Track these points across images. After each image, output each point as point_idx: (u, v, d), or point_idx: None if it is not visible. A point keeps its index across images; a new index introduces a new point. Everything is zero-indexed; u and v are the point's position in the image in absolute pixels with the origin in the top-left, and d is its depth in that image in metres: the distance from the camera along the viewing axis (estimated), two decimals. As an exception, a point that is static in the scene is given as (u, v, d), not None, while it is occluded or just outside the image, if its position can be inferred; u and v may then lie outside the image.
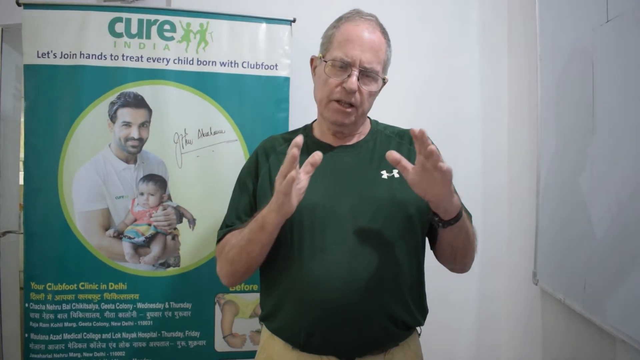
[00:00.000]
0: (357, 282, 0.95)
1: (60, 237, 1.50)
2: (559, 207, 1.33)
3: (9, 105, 2.09)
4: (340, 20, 1.06)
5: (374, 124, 1.17)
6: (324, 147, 1.09)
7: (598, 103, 1.10)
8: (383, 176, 1.04)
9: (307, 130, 1.16)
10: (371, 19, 1.04)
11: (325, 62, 1.03)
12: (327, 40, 1.06)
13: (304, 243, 0.98)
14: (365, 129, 1.14)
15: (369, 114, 1.15)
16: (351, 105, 1.02)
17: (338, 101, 1.02)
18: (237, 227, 1.06)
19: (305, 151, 1.09)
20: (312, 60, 1.11)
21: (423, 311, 1.07)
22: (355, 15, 1.04)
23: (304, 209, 0.98)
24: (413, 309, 1.02)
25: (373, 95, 1.05)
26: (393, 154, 0.87)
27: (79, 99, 1.52)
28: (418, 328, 1.08)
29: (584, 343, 1.21)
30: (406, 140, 1.11)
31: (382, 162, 1.06)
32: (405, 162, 0.88)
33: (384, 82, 1.07)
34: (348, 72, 1.00)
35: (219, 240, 1.09)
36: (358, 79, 1.00)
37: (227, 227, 1.09)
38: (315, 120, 1.17)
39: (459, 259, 1.07)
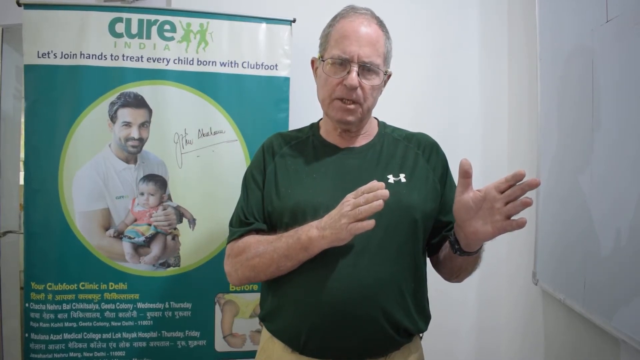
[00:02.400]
0: (358, 286, 0.94)
1: (61, 237, 1.51)
2: (559, 207, 1.33)
3: (9, 106, 2.09)
4: (335, 19, 1.04)
5: (382, 126, 1.14)
6: (331, 148, 1.08)
7: (598, 103, 1.10)
8: (389, 180, 1.02)
9: (313, 128, 1.15)
10: (366, 12, 1.03)
11: (324, 61, 1.02)
12: (325, 40, 1.05)
13: None
14: (373, 130, 1.12)
15: (377, 115, 1.15)
16: (354, 102, 1.01)
17: (341, 99, 1.01)
18: (256, 228, 1.03)
19: (312, 150, 1.09)
20: (312, 62, 1.10)
21: (425, 317, 1.05)
22: (349, 11, 1.03)
23: (308, 210, 0.97)
24: (415, 316, 1.00)
25: (376, 89, 1.03)
26: (468, 165, 0.86)
27: (79, 99, 1.52)
28: None
29: (585, 343, 1.21)
30: (413, 144, 1.10)
31: (389, 165, 1.05)
32: (471, 179, 0.87)
33: (387, 75, 1.06)
34: (347, 69, 0.99)
35: (233, 238, 1.05)
36: (358, 75, 0.98)
37: (243, 224, 1.05)
38: (321, 119, 1.16)
39: (459, 277, 1.08)
